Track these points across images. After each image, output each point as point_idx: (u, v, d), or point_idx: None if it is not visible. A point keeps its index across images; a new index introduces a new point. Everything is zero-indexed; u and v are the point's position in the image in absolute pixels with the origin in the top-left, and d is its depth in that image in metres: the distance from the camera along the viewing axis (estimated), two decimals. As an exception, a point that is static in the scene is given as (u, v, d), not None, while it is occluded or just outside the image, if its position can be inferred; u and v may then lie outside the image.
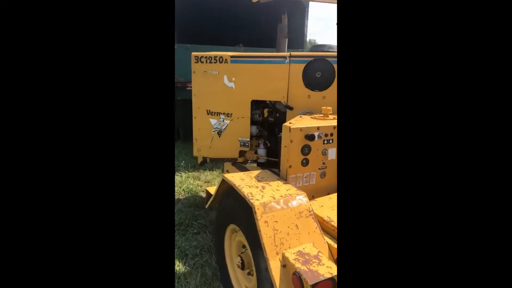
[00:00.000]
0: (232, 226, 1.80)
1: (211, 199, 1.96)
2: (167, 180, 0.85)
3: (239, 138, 2.63)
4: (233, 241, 1.86)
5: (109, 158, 0.80)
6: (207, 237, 2.52)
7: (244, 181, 1.66)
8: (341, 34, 0.81)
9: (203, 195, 3.39)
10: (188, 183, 3.58)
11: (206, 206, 2.06)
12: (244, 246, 1.76)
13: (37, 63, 0.76)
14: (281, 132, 2.72)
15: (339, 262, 0.78)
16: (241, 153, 2.69)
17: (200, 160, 2.87)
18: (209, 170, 4.11)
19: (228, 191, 1.79)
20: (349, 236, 0.76)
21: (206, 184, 3.71)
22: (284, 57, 2.37)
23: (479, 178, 0.69)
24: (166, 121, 0.85)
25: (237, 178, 1.70)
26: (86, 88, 0.79)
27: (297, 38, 5.18)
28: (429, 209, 0.72)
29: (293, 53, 2.35)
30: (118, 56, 0.81)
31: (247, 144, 2.63)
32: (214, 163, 4.29)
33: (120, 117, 0.81)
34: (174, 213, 3.00)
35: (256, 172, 1.83)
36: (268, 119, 2.68)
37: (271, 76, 2.43)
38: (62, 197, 0.77)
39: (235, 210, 1.70)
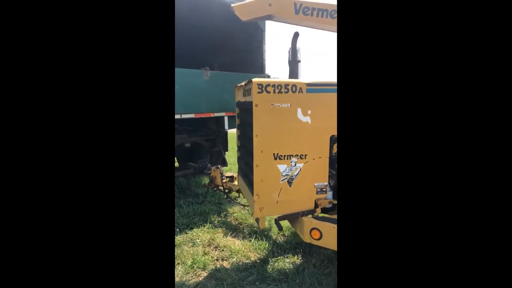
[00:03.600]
0: None
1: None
2: (167, 176, 0.91)
3: (315, 184, 2.13)
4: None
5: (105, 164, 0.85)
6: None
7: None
8: (341, 39, 0.86)
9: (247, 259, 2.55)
10: (199, 257, 2.50)
11: None
12: None
13: (33, 67, 0.80)
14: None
15: (339, 262, 0.81)
16: (316, 203, 2.18)
17: (262, 223, 2.15)
18: (197, 227, 3.17)
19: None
20: (349, 238, 0.82)
21: (228, 252, 2.82)
22: (367, 84, 2.09)
23: (473, 172, 0.75)
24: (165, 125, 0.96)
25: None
26: (82, 95, 0.84)
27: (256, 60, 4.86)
28: (430, 209, 0.76)
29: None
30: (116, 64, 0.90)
31: (324, 189, 2.15)
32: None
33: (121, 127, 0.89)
34: (174, 214, 2.11)
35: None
36: (332, 155, 2.29)
37: (354, 106, 2.10)
38: (62, 202, 0.79)
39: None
